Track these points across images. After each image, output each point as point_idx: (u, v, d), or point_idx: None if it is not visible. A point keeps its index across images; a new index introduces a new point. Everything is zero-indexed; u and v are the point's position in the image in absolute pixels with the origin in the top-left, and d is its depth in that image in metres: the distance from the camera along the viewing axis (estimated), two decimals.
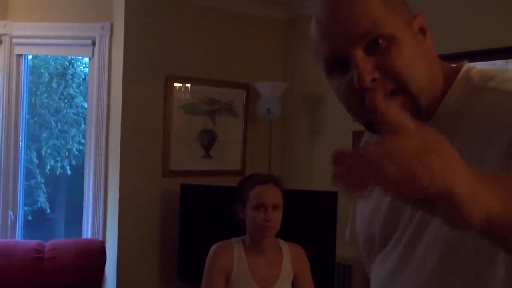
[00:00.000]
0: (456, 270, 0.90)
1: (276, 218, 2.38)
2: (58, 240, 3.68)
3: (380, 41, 0.88)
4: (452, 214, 0.58)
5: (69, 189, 5.30)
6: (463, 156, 0.89)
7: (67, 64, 5.14)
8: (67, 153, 5.13)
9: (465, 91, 0.95)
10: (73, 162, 5.12)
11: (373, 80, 0.87)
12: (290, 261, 2.48)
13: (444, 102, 0.96)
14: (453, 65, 1.01)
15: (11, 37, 3.73)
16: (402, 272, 0.99)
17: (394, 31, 0.89)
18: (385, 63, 0.88)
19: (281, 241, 2.52)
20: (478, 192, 0.60)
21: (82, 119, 4.82)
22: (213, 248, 2.44)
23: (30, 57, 4.02)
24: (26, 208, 4.39)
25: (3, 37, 3.71)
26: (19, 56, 3.78)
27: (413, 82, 0.89)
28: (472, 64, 0.99)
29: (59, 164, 5.13)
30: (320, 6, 0.93)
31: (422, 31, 0.95)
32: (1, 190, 3.70)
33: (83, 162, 3.91)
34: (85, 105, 3.95)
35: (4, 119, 3.71)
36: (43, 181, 5.07)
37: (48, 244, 3.43)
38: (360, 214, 1.16)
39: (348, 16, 0.88)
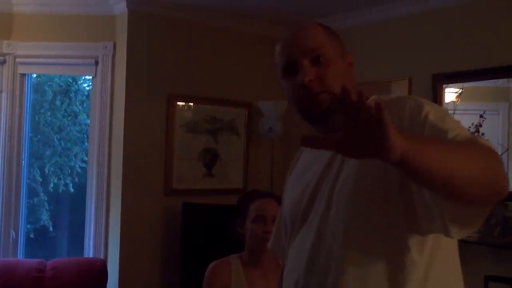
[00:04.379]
0: (362, 235, 1.23)
1: None
2: (60, 259, 3.67)
3: (321, 59, 1.31)
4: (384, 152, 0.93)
5: (72, 207, 5.27)
6: None
7: (71, 81, 5.16)
8: (70, 171, 5.13)
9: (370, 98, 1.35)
10: (76, 180, 5.11)
11: (310, 80, 1.28)
12: None
13: None
14: None
15: (15, 57, 3.76)
16: (321, 243, 1.28)
17: (330, 55, 1.32)
18: (320, 73, 1.30)
19: None
20: (399, 138, 0.93)
21: (85, 137, 4.82)
22: (210, 266, 2.45)
23: (34, 75, 4.05)
24: (29, 226, 4.38)
25: (7, 57, 3.75)
26: (23, 75, 3.81)
27: (333, 88, 1.29)
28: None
29: (62, 181, 5.12)
30: (286, 32, 1.41)
31: (350, 64, 1.39)
32: (3, 208, 3.71)
33: (87, 180, 3.92)
34: (88, 122, 3.97)
35: (7, 137, 3.73)
36: (46, 199, 5.06)
37: (49, 263, 3.42)
38: (288, 198, 1.48)
39: (303, 37, 1.35)
